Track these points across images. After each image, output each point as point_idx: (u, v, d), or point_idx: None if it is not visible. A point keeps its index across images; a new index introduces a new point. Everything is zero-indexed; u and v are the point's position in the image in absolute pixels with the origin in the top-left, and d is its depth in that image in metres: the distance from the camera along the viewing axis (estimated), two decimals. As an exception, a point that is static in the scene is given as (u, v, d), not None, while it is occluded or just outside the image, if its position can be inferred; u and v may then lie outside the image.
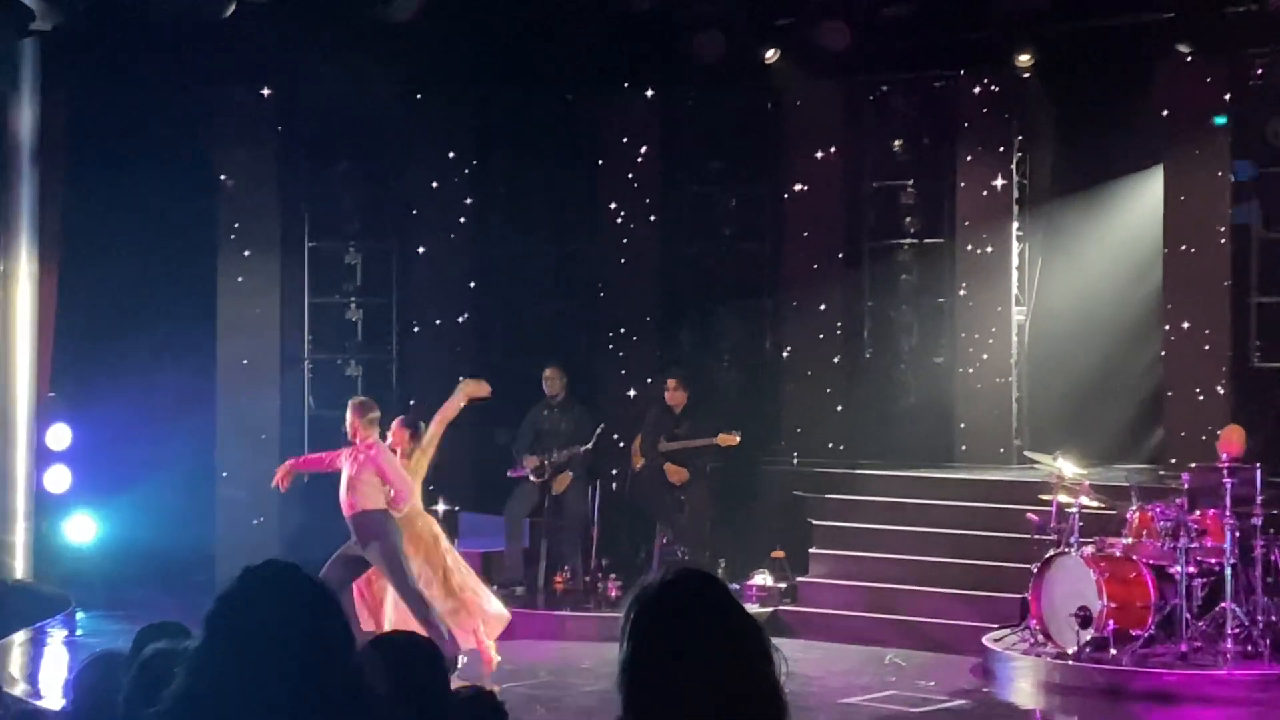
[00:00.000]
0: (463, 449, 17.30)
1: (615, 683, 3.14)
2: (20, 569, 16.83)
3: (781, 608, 15.31)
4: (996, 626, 14.03)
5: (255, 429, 17.79)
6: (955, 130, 17.38)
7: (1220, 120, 15.90)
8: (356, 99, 17.95)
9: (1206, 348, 15.91)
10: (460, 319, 18.12)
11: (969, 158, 17.24)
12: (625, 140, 18.16)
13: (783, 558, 15.88)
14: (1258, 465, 13.11)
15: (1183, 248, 16.10)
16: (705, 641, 3.08)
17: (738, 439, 15.77)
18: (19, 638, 14.58)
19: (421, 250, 18.22)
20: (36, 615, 15.30)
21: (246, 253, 17.80)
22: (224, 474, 17.72)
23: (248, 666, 3.18)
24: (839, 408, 17.66)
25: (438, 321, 18.03)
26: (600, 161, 18.32)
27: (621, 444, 16.86)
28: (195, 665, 3.24)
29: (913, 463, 16.75)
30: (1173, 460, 15.53)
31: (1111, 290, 17.14)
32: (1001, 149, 17.15)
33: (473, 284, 18.23)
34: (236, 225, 17.84)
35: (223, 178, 17.83)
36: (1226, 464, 13.11)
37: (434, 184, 18.11)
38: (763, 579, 15.60)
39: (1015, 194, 17.21)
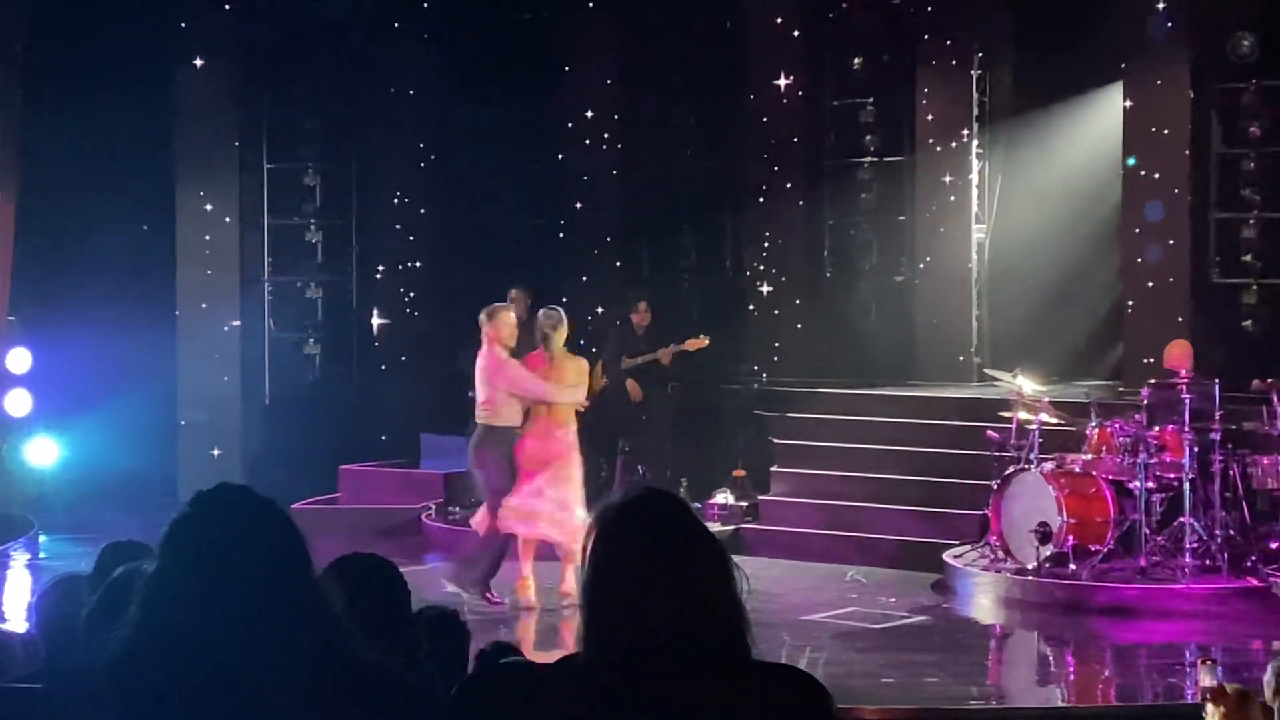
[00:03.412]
0: (425, 370, 17.30)
1: (578, 603, 3.16)
2: (-19, 493, 16.82)
3: (743, 526, 15.36)
4: (957, 543, 14.10)
5: (215, 352, 17.75)
6: (915, 48, 17.31)
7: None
8: (315, 18, 17.83)
9: (1165, 264, 15.91)
10: (421, 241, 18.03)
11: (929, 76, 17.19)
12: (586, 58, 18.06)
13: (744, 476, 15.90)
14: (1216, 380, 13.17)
15: (1142, 163, 16.08)
16: (665, 561, 3.09)
17: (706, 341, 15.59)
18: (-19, 562, 14.56)
19: (381, 172, 18.12)
20: (-1, 539, 15.29)
21: (202, 179, 17.72)
22: (183, 398, 17.70)
23: (202, 588, 3.21)
24: (799, 326, 17.68)
25: (398, 244, 17.94)
26: (561, 79, 18.23)
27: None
28: (152, 588, 3.27)
29: (873, 380, 16.78)
30: (1132, 377, 15.56)
31: (1071, 207, 17.13)
32: (961, 66, 17.10)
33: (434, 205, 18.14)
34: (194, 147, 17.73)
35: (180, 99, 17.70)
36: (1185, 379, 13.16)
37: (393, 104, 17.99)
38: (724, 497, 15.64)
39: (975, 112, 17.18)
